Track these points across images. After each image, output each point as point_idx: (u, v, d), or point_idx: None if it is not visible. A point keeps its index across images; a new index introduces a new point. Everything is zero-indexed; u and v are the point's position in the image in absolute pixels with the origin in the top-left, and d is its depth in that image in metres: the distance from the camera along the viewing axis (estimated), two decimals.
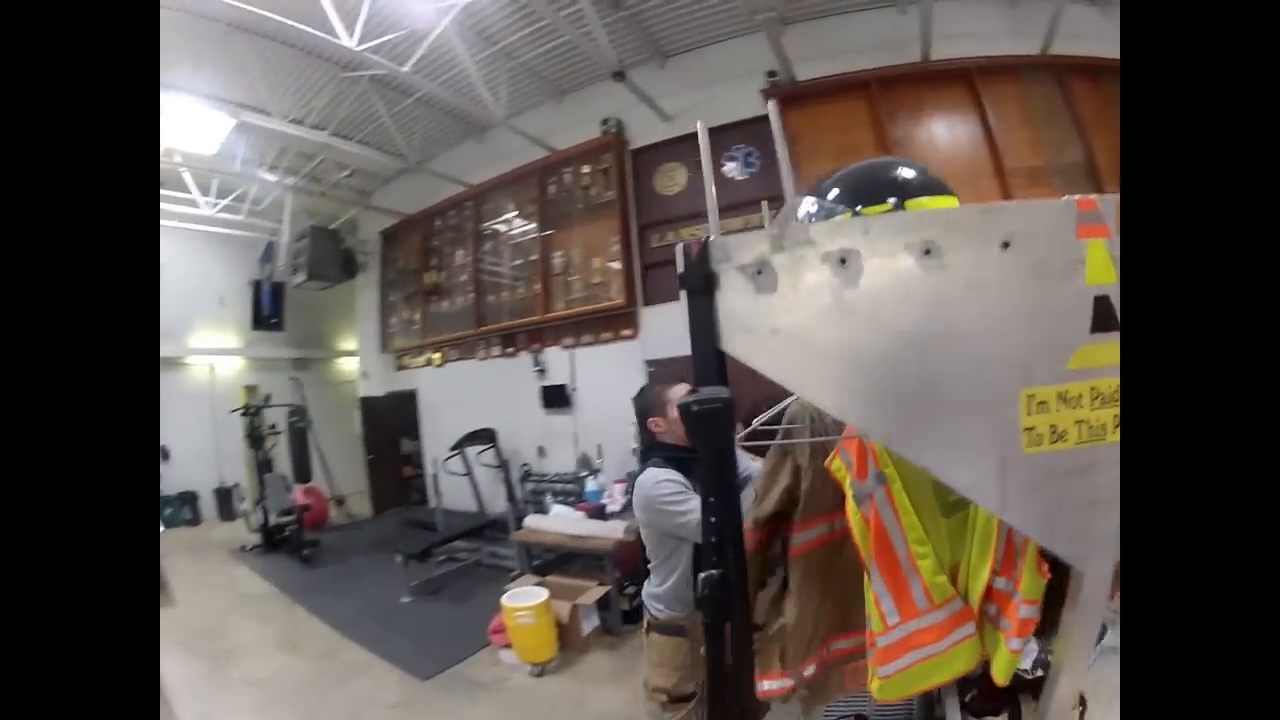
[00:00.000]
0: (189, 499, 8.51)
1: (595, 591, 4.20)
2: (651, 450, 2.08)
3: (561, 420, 6.57)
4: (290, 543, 6.88)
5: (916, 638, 1.01)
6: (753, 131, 5.22)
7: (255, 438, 7.40)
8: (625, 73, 5.08)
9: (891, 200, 0.93)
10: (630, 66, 5.34)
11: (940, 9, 4.40)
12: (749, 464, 1.87)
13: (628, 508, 4.79)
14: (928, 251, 0.69)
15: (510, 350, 7.04)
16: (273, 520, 7.08)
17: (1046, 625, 0.94)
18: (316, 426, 7.83)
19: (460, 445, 6.61)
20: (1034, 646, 0.97)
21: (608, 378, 6.20)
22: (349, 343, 10.44)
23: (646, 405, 2.11)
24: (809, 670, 1.14)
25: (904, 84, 4.84)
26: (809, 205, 0.94)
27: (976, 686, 1.11)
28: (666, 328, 5.87)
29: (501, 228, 7.15)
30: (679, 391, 2.04)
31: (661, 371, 5.73)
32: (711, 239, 0.73)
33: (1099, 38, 4.54)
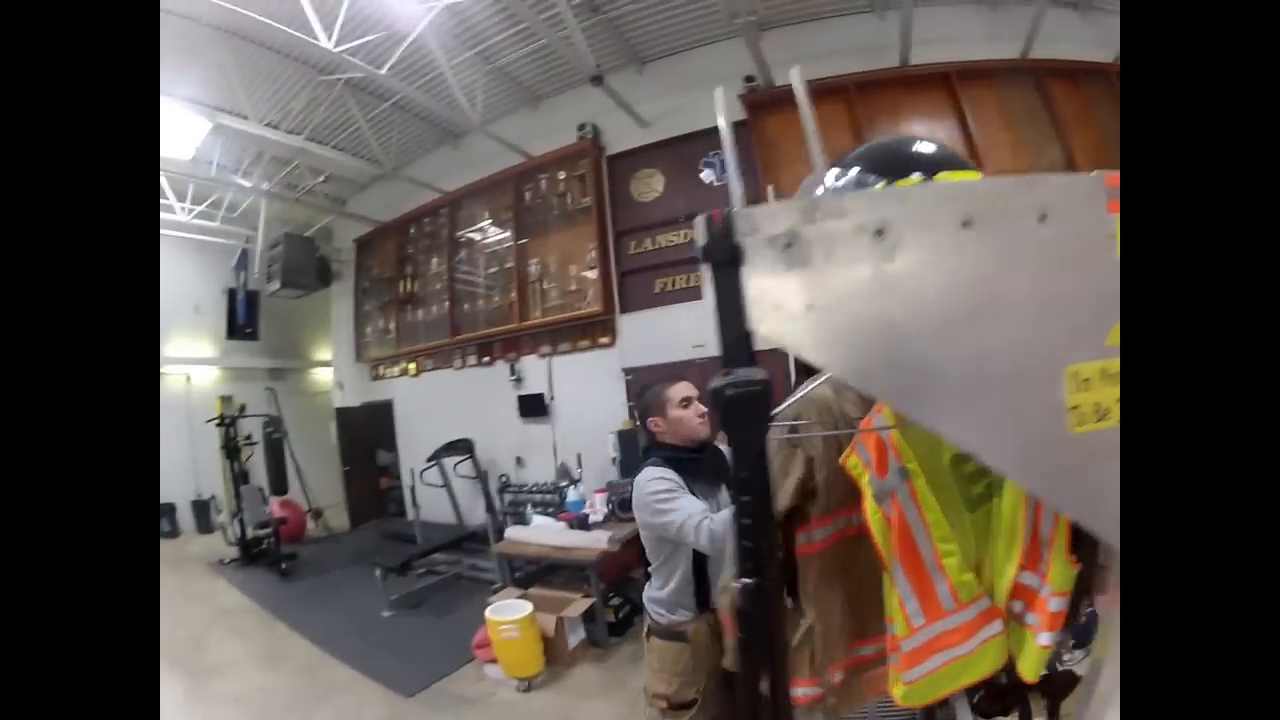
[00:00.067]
0: (167, 511, 8.26)
1: (580, 604, 4.11)
2: (651, 450, 2.03)
3: (539, 430, 6.49)
4: (268, 556, 6.77)
5: (943, 639, 0.97)
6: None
7: (231, 449, 7.24)
8: (603, 77, 5.06)
9: (916, 175, 0.89)
10: (608, 71, 5.31)
11: (920, 14, 4.45)
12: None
13: (610, 517, 4.73)
14: (966, 223, 0.66)
15: (486, 359, 6.94)
16: (250, 533, 6.95)
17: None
18: (292, 438, 7.66)
19: (437, 456, 6.49)
20: None
21: (586, 386, 6.14)
22: (324, 352, 10.27)
23: (647, 405, 2.06)
24: (836, 676, 1.09)
25: (883, 88, 4.88)
26: (832, 180, 0.90)
27: (984, 686, 1.07)
28: (644, 335, 5.84)
29: (477, 235, 7.08)
30: (679, 390, 2.01)
31: (638, 380, 5.70)
32: (735, 210, 0.69)
33: (1078, 40, 4.64)
